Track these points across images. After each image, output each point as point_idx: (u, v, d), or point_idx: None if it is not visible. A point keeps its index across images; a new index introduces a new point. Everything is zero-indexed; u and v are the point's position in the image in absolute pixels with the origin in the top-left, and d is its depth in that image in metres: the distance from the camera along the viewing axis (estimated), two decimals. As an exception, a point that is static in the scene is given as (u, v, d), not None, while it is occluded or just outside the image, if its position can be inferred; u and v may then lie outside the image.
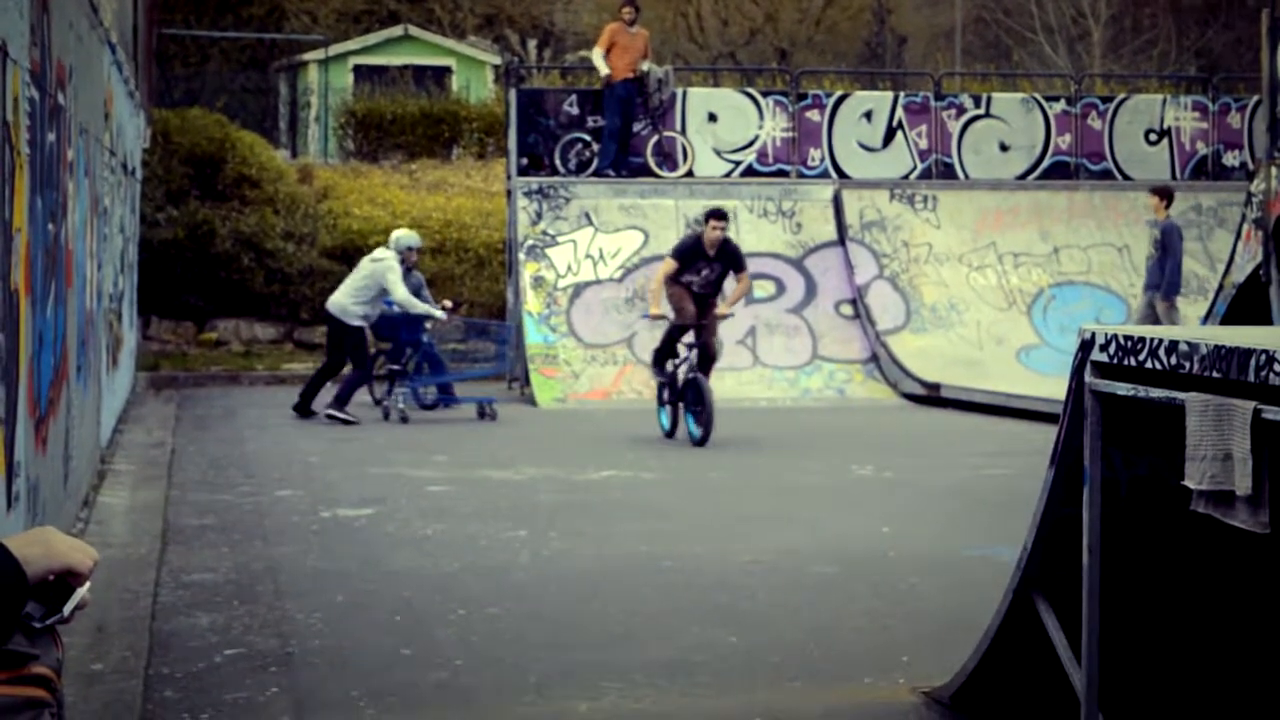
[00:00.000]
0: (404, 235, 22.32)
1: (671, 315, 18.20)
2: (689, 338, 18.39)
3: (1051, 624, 7.83)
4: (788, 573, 12.77)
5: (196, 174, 28.33)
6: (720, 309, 18.66)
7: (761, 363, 24.46)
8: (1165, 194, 22.79)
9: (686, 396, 18.69)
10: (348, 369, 22.05)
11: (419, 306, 21.28)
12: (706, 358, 18.40)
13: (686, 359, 18.43)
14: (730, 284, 18.94)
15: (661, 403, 19.16)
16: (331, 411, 20.99)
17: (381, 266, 21.23)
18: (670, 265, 17.74)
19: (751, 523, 15.00)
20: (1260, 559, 7.13)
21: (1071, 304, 25.44)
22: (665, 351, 18.64)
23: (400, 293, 20.95)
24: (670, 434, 18.97)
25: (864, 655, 10.04)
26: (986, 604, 8.60)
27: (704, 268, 17.72)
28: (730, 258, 17.94)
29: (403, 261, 21.63)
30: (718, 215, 18.22)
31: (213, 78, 33.53)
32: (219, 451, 18.94)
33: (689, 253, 17.82)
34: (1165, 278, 22.16)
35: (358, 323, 21.24)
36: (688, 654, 10.11)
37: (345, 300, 21.27)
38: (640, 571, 12.71)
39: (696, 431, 18.29)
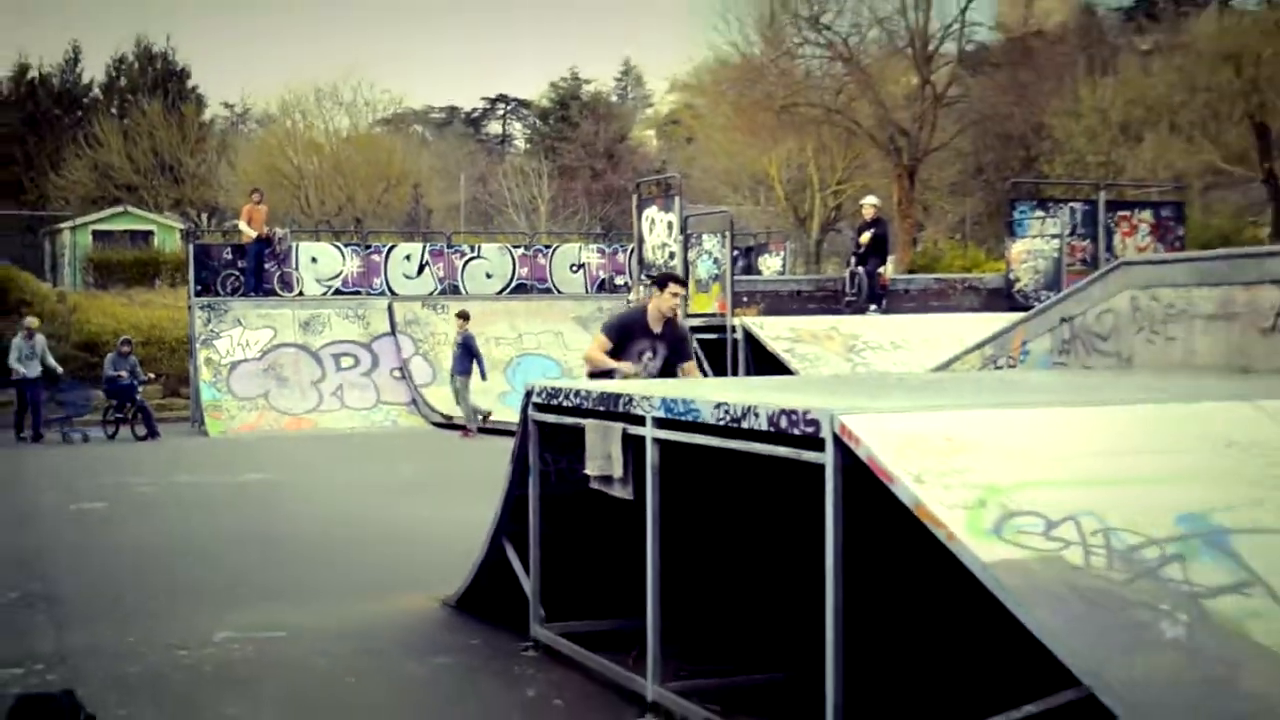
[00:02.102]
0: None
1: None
2: None
3: (513, 555, 9.86)
4: (357, 533, 14.48)
5: (-8, 297, 33.77)
6: None
7: (347, 406, 30.44)
8: (463, 315, 28.27)
9: None
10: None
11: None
12: None
13: None
14: None
15: None
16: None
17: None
18: (601, 343, 11.70)
19: (343, 500, 17.29)
20: (624, 510, 8.34)
21: (529, 367, 31.36)
22: None
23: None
24: None
25: (406, 581, 11.52)
26: (474, 546, 10.30)
27: (645, 349, 11.66)
28: (678, 342, 11.88)
29: (119, 352, 27.77)
30: (676, 280, 12.55)
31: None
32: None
33: (626, 329, 11.84)
34: (458, 365, 27.43)
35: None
36: (295, 585, 11.58)
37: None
38: (282, 532, 14.60)
39: None
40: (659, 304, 11.61)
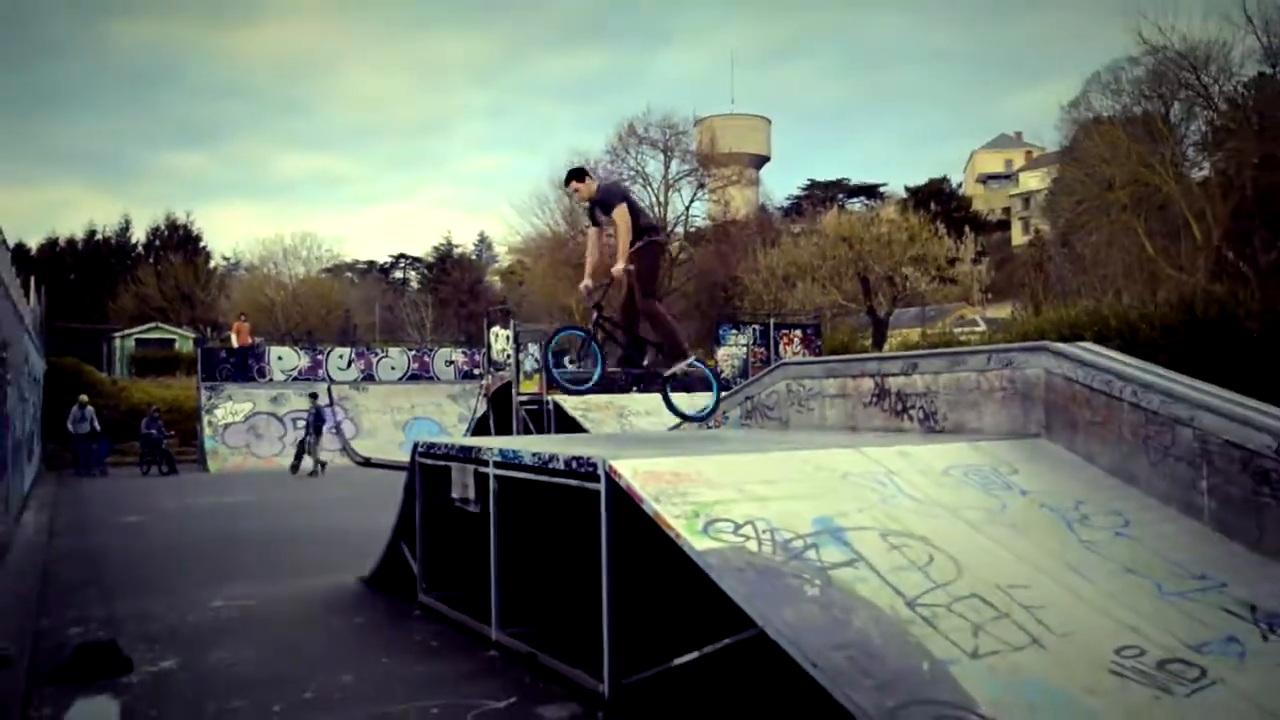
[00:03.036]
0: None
1: None
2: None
3: (405, 548, 9.66)
4: (305, 533, 13.94)
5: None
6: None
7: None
8: (314, 395, 26.23)
9: None
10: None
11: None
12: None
13: None
14: None
15: None
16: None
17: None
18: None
19: (296, 512, 16.61)
20: (476, 519, 8.21)
21: (419, 428, 29.10)
22: None
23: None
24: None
25: (336, 566, 10.94)
26: (381, 542, 10.04)
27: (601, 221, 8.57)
28: (602, 205, 8.45)
29: (151, 416, 26.52)
30: (573, 177, 8.62)
31: (75, 342, 39.30)
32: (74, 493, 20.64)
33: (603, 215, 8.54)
34: (310, 429, 24.91)
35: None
36: (264, 568, 11.18)
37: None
38: (256, 533, 14.10)
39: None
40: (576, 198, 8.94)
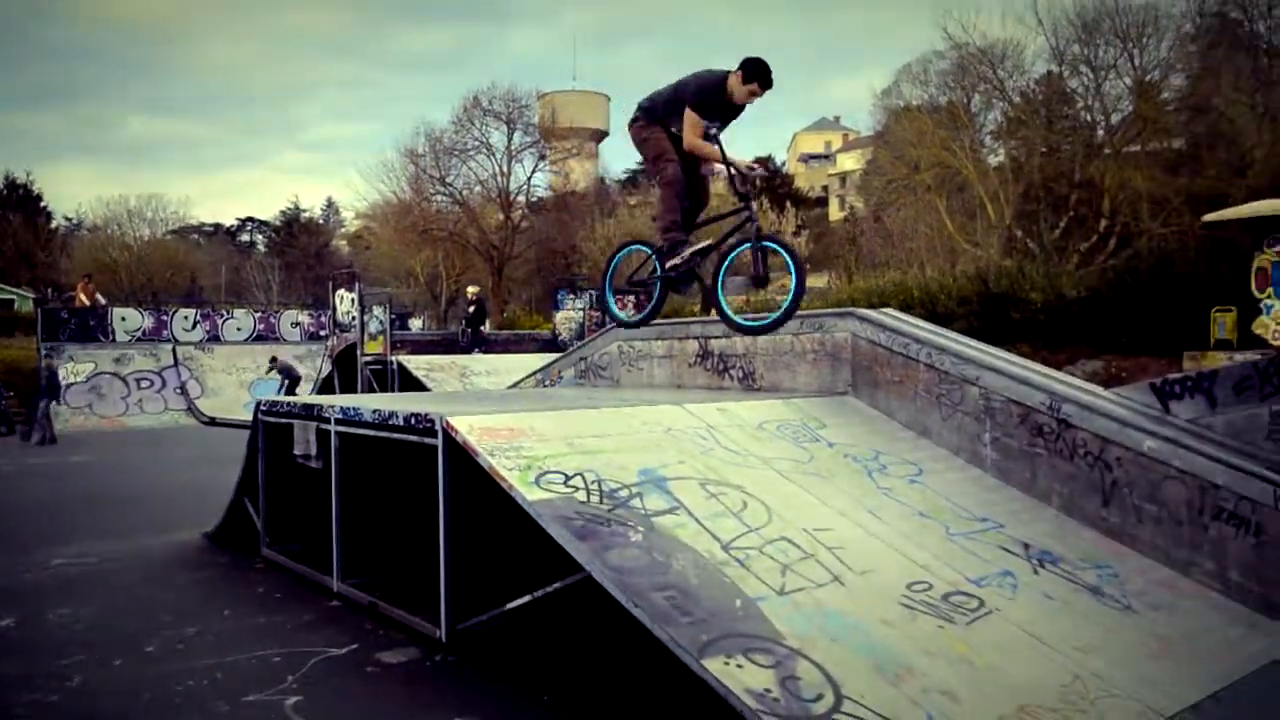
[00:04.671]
0: None
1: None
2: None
3: (250, 506, 9.39)
4: (148, 492, 13.26)
5: None
6: None
7: (145, 412, 26.71)
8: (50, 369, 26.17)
9: None
10: None
11: None
12: None
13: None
14: None
15: None
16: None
17: None
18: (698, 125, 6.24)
19: (139, 470, 16.13)
20: (318, 475, 8.02)
21: (263, 387, 26.73)
22: None
23: None
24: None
25: (180, 523, 10.65)
26: (225, 498, 9.86)
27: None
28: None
29: None
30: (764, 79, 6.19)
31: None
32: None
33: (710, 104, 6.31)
34: (43, 392, 22.82)
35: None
36: (107, 526, 10.99)
37: None
38: (98, 492, 13.60)
39: None
40: (741, 92, 6.24)
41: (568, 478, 5.91)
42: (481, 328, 26.41)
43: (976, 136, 35.94)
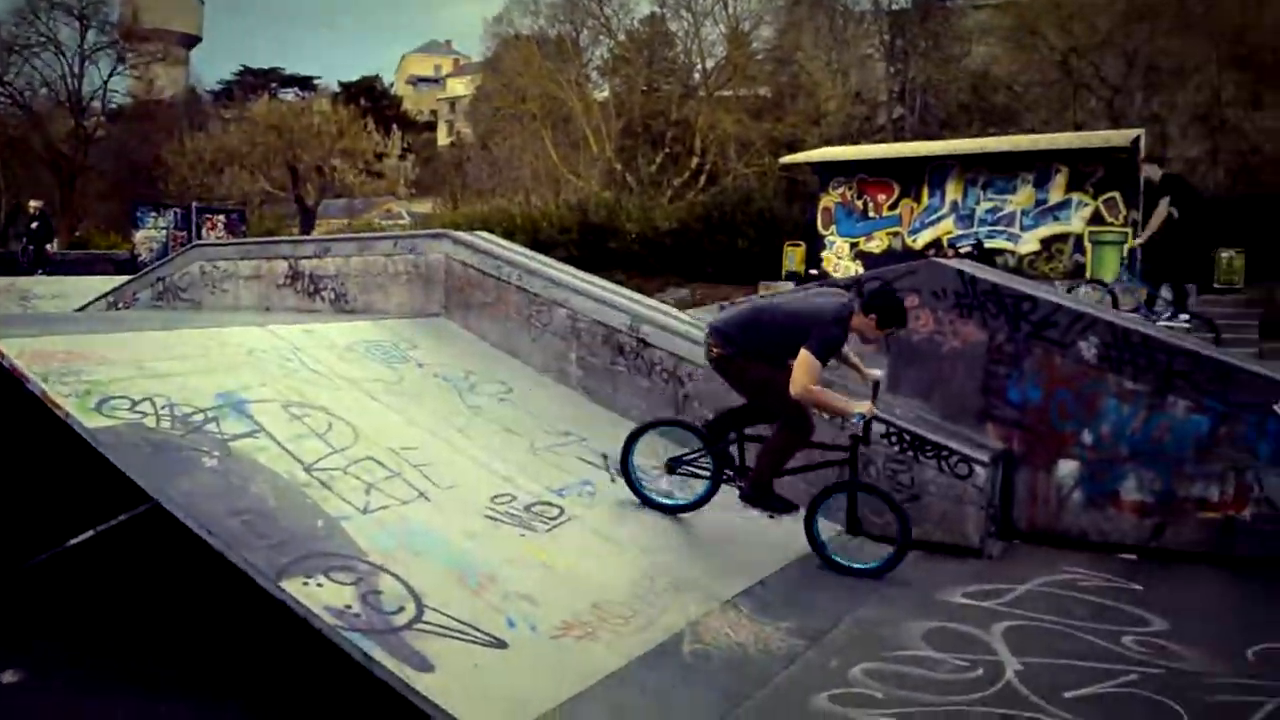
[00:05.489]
0: None
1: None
2: None
3: None
4: None
5: None
6: None
7: None
8: None
9: None
10: None
11: None
12: None
13: None
14: None
15: None
16: None
17: None
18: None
19: None
20: None
21: None
22: None
23: None
24: None
25: None
26: None
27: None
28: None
29: None
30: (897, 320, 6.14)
31: None
32: None
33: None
34: None
35: None
36: None
37: None
38: None
39: None
40: (874, 335, 6.17)
41: (134, 403, 5.54)
42: (47, 246, 23.84)
43: (583, 70, 37.09)
